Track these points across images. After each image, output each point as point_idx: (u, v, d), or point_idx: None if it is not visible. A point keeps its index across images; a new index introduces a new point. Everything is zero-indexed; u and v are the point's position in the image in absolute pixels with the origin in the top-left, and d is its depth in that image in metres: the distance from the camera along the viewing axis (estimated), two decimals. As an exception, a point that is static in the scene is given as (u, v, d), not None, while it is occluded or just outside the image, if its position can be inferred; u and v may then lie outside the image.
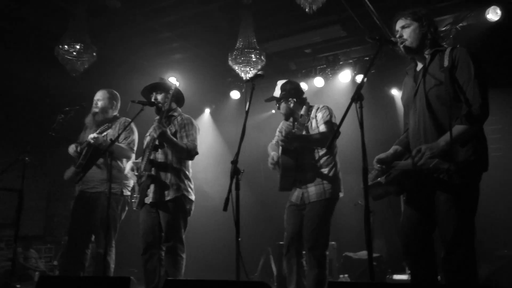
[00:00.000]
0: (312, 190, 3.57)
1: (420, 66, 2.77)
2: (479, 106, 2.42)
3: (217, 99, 8.38)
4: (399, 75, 7.08)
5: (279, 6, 5.90)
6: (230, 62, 5.37)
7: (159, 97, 3.78)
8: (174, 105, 3.92)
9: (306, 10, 3.84)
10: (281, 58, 7.59)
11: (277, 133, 4.04)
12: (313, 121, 3.69)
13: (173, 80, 7.60)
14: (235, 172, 2.65)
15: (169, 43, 6.85)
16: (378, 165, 2.75)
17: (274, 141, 4.02)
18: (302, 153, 3.59)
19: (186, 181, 3.73)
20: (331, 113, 3.68)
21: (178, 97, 3.99)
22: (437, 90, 2.56)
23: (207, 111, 8.57)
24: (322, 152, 3.61)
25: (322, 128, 3.59)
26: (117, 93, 4.38)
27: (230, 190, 2.59)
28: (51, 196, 7.54)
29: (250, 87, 2.94)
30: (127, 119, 4.21)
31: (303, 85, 7.65)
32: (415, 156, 2.44)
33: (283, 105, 3.76)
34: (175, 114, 3.87)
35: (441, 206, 2.50)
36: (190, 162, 3.85)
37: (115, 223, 3.97)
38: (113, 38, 6.23)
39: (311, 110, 3.76)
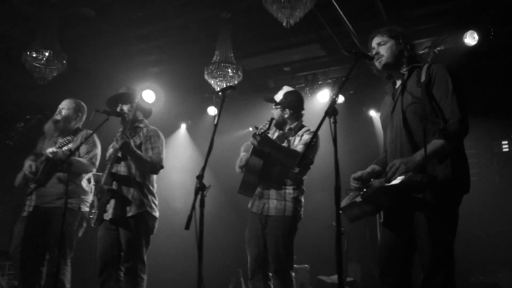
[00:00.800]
0: (273, 203, 3.43)
1: (398, 83, 2.71)
2: (457, 121, 2.34)
3: (193, 114, 8.20)
4: (377, 96, 7.15)
5: (258, 22, 5.81)
6: (206, 76, 5.23)
7: (125, 107, 3.60)
8: (140, 116, 3.74)
9: (284, 24, 3.72)
10: (259, 75, 7.50)
11: None
12: (297, 139, 3.57)
13: (150, 94, 7.43)
14: (200, 188, 2.47)
15: (145, 56, 6.69)
16: (355, 182, 2.65)
17: (249, 142, 3.89)
18: (273, 162, 3.46)
19: (149, 196, 3.53)
20: (316, 139, 3.57)
21: (145, 109, 3.81)
22: (414, 106, 2.49)
23: (183, 126, 8.37)
24: (293, 170, 3.48)
25: (300, 148, 3.46)
26: (84, 105, 4.18)
27: (193, 207, 2.41)
28: (18, 210, 7.16)
29: (221, 99, 2.80)
30: (89, 131, 4.00)
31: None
32: (388, 172, 2.34)
33: (278, 111, 3.65)
34: (141, 125, 3.69)
35: (419, 228, 2.38)
36: (155, 177, 3.65)
37: (70, 240, 3.72)
38: (85, 48, 6.03)
39: (302, 129, 3.65)
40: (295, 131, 3.59)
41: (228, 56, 5.09)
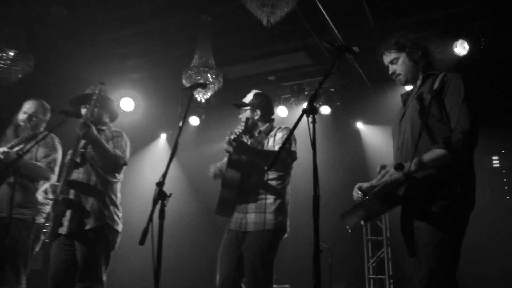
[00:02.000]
0: (251, 217, 3.06)
1: (414, 91, 2.59)
2: (461, 132, 2.18)
3: (174, 124, 7.87)
4: (365, 107, 6.94)
5: (240, 27, 5.58)
6: (184, 81, 4.93)
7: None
8: (105, 119, 3.41)
9: (264, 23, 3.46)
10: (243, 84, 7.23)
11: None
12: (271, 140, 3.26)
13: (128, 102, 7.10)
14: (160, 197, 2.15)
15: (123, 61, 6.37)
16: (359, 193, 2.49)
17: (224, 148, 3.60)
18: (250, 171, 3.13)
19: (111, 208, 3.18)
20: (293, 136, 3.23)
21: (111, 111, 3.48)
22: (421, 113, 2.36)
23: (163, 136, 8.03)
24: (272, 175, 3.16)
25: (277, 148, 3.14)
26: (48, 106, 3.83)
27: (150, 219, 2.08)
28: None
29: (188, 97, 2.50)
30: (51, 135, 3.64)
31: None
32: (381, 176, 2.25)
33: (247, 113, 3.34)
34: (104, 128, 3.35)
35: (417, 238, 2.23)
36: (118, 186, 3.31)
37: (25, 256, 3.31)
38: (56, 49, 5.68)
39: (273, 130, 3.35)
40: (266, 133, 3.29)
41: (208, 60, 4.80)
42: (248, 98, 3.40)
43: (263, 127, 3.34)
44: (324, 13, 4.63)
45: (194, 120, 7.59)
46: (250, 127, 3.24)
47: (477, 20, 5.24)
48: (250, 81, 7.19)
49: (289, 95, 7.27)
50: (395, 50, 2.53)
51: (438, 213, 2.16)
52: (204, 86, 2.60)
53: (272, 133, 3.29)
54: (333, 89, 7.06)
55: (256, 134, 3.31)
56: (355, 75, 6.41)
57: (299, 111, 7.27)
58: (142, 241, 2.03)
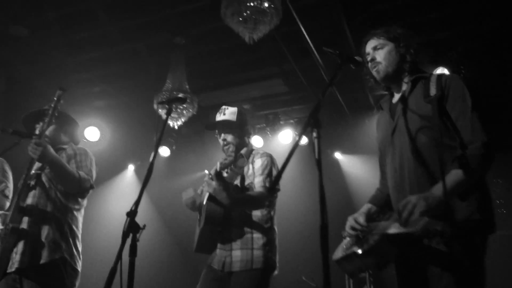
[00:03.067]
0: (237, 255, 2.67)
1: (397, 97, 2.20)
2: (482, 145, 1.82)
3: (143, 154, 7.42)
4: (343, 136, 6.73)
5: (214, 52, 5.32)
6: (155, 106, 4.57)
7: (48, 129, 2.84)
8: (65, 139, 2.98)
9: (246, 39, 3.20)
10: (216, 112, 6.92)
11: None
12: (250, 166, 2.90)
13: (93, 131, 6.64)
14: (132, 229, 1.76)
15: (88, 87, 5.96)
16: (352, 232, 2.07)
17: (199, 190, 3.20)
18: None
19: (70, 240, 2.71)
20: (273, 163, 2.91)
21: (72, 133, 3.06)
22: (422, 127, 1.98)
23: (131, 167, 7.54)
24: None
25: (259, 182, 2.79)
26: None
27: (119, 256, 1.69)
28: None
29: (165, 112, 2.16)
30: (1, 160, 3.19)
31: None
32: (403, 211, 1.75)
33: (230, 137, 2.91)
34: (65, 146, 2.93)
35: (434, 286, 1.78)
36: (80, 214, 2.86)
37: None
38: (16, 72, 5.24)
39: (253, 154, 2.98)
40: (247, 157, 2.89)
41: (182, 84, 4.48)
42: (229, 116, 3.00)
43: (243, 150, 2.97)
44: (306, 36, 4.42)
45: (164, 151, 7.18)
46: (237, 152, 2.91)
47: (457, 47, 5.19)
48: (224, 110, 6.92)
49: (264, 125, 7.00)
50: (384, 37, 2.17)
51: (460, 248, 1.76)
52: (183, 100, 2.27)
53: (251, 159, 2.93)
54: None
55: (239, 158, 2.95)
56: (333, 103, 6.23)
57: (274, 141, 7.02)
58: (108, 285, 1.63)
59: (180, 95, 2.15)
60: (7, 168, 3.16)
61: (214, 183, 2.52)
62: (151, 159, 1.95)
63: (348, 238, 2.08)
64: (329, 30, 4.81)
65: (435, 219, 1.69)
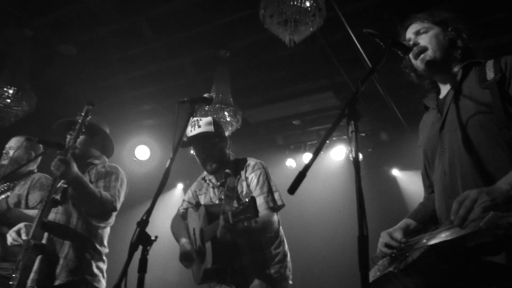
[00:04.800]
0: (254, 279, 2.42)
1: (445, 91, 1.82)
2: None
3: (192, 173, 7.32)
4: (400, 153, 6.26)
5: (261, 66, 5.13)
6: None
7: (77, 140, 2.73)
8: (96, 153, 2.87)
9: (286, 42, 2.96)
10: (266, 129, 6.72)
11: (188, 195, 2.96)
12: (244, 185, 2.61)
13: (144, 150, 6.66)
14: (141, 240, 1.54)
15: (138, 105, 5.98)
16: (387, 250, 1.71)
17: (182, 209, 2.93)
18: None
19: (92, 260, 2.54)
20: (267, 174, 2.62)
21: (107, 145, 2.95)
22: (479, 116, 1.59)
23: (179, 186, 7.48)
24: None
25: (263, 204, 2.48)
26: (38, 145, 3.33)
27: (125, 271, 1.47)
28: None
29: (189, 111, 1.96)
30: (46, 175, 3.13)
31: (291, 162, 6.73)
32: (459, 207, 1.35)
33: (210, 150, 2.64)
34: (96, 161, 2.80)
35: None
36: (106, 232, 2.70)
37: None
38: (63, 91, 5.33)
39: (240, 166, 2.69)
40: (234, 174, 2.63)
41: (225, 97, 4.31)
42: (204, 128, 2.65)
43: (227, 165, 2.67)
44: (357, 44, 4.11)
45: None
46: (220, 166, 2.65)
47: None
48: (273, 125, 6.69)
49: (315, 141, 6.70)
50: (429, 21, 1.82)
51: None
52: (208, 101, 2.05)
53: (243, 175, 2.63)
54: (363, 134, 6.45)
55: (223, 179, 2.66)
56: (389, 117, 5.82)
57: (326, 158, 6.67)
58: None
59: (206, 95, 1.94)
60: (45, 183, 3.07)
61: (221, 230, 2.22)
62: (167, 164, 1.73)
63: (380, 261, 1.72)
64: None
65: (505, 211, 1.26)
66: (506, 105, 1.54)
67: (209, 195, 2.77)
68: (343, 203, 5.73)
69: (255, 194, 2.53)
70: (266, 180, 2.57)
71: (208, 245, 2.46)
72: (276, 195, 2.55)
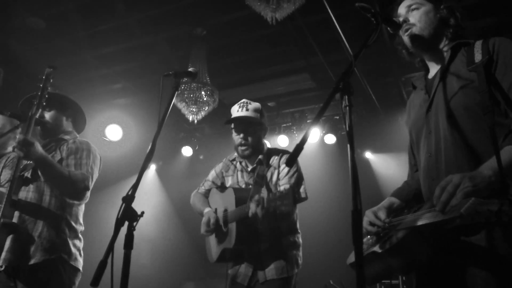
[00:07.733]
0: (269, 264, 2.55)
1: (434, 71, 1.82)
2: None
3: (165, 155, 7.23)
4: (373, 136, 6.34)
5: (236, 44, 5.05)
6: (174, 100, 4.31)
7: (47, 115, 2.61)
8: (69, 127, 2.74)
9: (268, 19, 2.91)
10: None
11: (212, 175, 2.99)
12: (275, 174, 2.69)
13: (116, 129, 6.47)
14: (127, 216, 1.49)
15: (109, 83, 5.80)
16: (372, 229, 1.72)
17: (204, 188, 3.00)
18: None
19: (68, 238, 2.45)
20: (299, 169, 2.71)
21: (78, 120, 2.82)
22: (464, 97, 1.59)
23: (152, 167, 7.38)
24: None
25: (287, 189, 2.48)
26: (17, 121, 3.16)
27: (110, 248, 1.42)
28: None
29: (174, 84, 1.91)
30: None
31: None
32: (441, 193, 1.36)
33: (251, 137, 2.70)
34: (67, 137, 2.68)
35: None
36: (81, 209, 2.61)
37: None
38: (32, 65, 5.09)
39: (271, 156, 2.76)
40: (266, 163, 2.72)
41: (202, 76, 4.22)
42: (252, 113, 2.74)
43: (260, 153, 2.76)
44: (336, 25, 4.08)
45: (187, 151, 6.97)
46: (259, 151, 2.75)
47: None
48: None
49: (290, 123, 6.70)
50: None
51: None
52: (193, 75, 1.99)
53: (274, 163, 2.72)
54: (338, 117, 6.50)
55: (254, 164, 2.74)
56: (363, 100, 5.86)
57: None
58: (95, 282, 1.36)
59: (191, 69, 1.88)
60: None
61: (253, 210, 2.30)
62: (153, 139, 1.68)
63: (367, 237, 1.73)
64: (362, 19, 4.46)
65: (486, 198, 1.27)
66: (492, 88, 1.54)
67: (236, 178, 2.83)
68: (323, 185, 5.77)
69: (282, 182, 2.65)
70: (296, 173, 2.67)
71: (232, 226, 2.55)
72: (301, 188, 2.65)
